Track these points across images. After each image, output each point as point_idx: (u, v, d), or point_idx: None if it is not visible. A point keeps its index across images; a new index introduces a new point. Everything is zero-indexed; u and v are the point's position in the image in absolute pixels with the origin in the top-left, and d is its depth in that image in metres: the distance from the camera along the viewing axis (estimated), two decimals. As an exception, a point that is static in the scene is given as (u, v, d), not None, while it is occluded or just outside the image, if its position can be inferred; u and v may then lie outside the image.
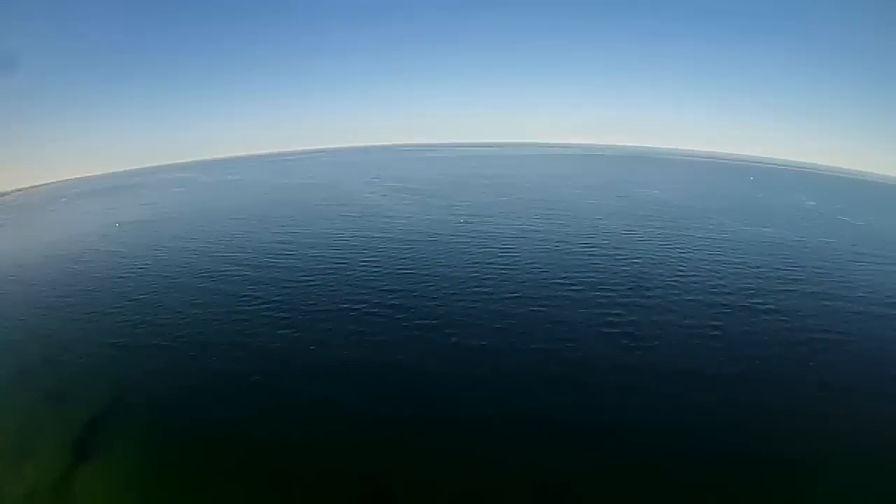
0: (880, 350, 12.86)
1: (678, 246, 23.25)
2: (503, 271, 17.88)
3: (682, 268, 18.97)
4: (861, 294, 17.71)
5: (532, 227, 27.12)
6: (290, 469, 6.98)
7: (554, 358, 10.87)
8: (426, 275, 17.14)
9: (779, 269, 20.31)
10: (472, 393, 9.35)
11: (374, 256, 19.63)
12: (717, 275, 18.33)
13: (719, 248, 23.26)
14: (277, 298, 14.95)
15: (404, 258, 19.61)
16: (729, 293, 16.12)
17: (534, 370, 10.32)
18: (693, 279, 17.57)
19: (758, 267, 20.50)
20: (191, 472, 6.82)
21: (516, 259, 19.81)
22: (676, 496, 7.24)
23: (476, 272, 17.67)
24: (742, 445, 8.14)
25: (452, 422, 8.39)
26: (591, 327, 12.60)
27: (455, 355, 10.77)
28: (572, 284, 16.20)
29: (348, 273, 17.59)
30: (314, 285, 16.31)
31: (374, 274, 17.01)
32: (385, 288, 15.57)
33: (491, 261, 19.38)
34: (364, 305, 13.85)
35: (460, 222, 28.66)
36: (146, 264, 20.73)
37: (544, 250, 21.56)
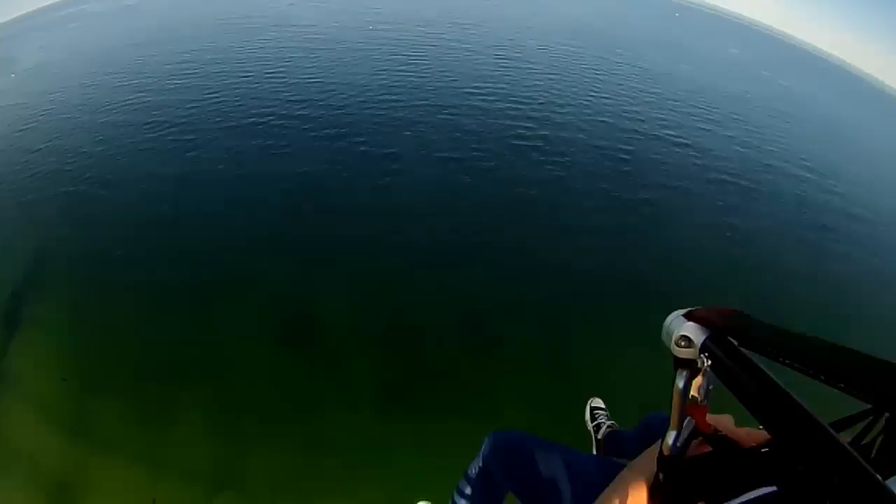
0: (785, 204, 12.84)
1: (593, 67, 21.79)
2: (412, 79, 16.63)
3: (596, 89, 17.74)
4: (772, 149, 17.40)
5: (443, 35, 25.29)
6: (208, 299, 6.82)
7: (462, 167, 10.43)
8: (333, 83, 15.92)
9: (695, 107, 19.91)
10: (380, 201, 9.00)
11: (279, 68, 18.20)
12: (632, 101, 17.40)
13: (635, 75, 21.49)
14: (183, 121, 13.91)
15: (311, 67, 18.13)
16: (642, 121, 15.26)
17: (442, 179, 9.93)
18: (606, 102, 16.57)
19: (674, 101, 19.93)
20: (107, 317, 6.62)
21: (426, 67, 18.45)
22: (572, 303, 7.32)
23: (384, 80, 16.37)
24: (641, 271, 8.04)
25: (361, 233, 8.16)
26: (501, 139, 11.97)
27: (363, 164, 10.25)
28: (483, 94, 15.20)
29: (253, 86, 16.24)
30: (219, 102, 15.16)
31: (281, 85, 15.73)
32: (292, 98, 14.52)
33: (400, 68, 17.94)
34: (271, 118, 12.92)
35: (368, 29, 26.48)
36: (47, 111, 19.15)
37: (455, 59, 20.17)
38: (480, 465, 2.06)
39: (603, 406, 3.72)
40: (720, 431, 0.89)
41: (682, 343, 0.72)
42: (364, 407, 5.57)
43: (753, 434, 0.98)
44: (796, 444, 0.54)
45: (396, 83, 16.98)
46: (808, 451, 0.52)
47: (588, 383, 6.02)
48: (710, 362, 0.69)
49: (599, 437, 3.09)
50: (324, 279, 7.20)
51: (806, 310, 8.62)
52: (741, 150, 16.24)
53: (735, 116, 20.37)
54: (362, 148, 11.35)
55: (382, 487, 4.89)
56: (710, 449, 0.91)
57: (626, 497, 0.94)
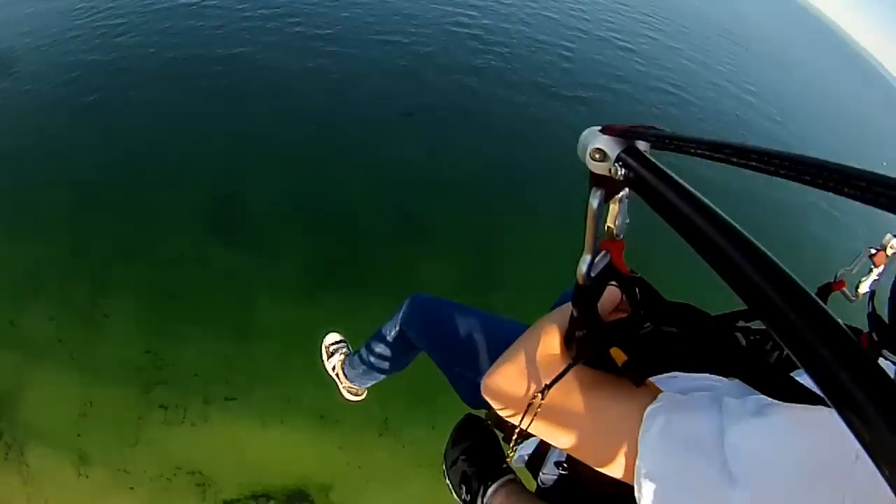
0: (727, 125, 12.70)
1: None
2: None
3: None
4: (720, 68, 17.10)
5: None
6: (139, 191, 6.51)
7: (399, 51, 9.81)
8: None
9: (645, 14, 19.01)
10: (317, 85, 8.50)
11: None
12: (579, 0, 16.55)
13: None
14: (111, 5, 12.85)
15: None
16: (588, 20, 14.49)
17: (377, 62, 9.36)
18: None
19: (624, 5, 18.81)
20: (32, 214, 6.36)
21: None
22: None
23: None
24: (571, 165, 7.79)
25: (294, 117, 7.76)
26: (441, 25, 11.24)
27: (299, 45, 9.55)
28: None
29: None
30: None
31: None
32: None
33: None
34: (203, -1, 12.08)
35: None
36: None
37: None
38: (397, 326, 2.08)
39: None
40: (637, 274, 0.89)
41: (597, 157, 0.70)
42: (294, 293, 5.56)
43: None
44: (718, 258, 0.51)
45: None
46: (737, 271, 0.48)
47: (513, 264, 6.10)
48: (624, 171, 0.68)
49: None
50: (255, 164, 6.94)
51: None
52: (687, 63, 15.88)
53: (685, 30, 19.91)
54: (297, 29, 10.63)
55: (313, 371, 4.98)
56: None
57: (538, 342, 0.94)
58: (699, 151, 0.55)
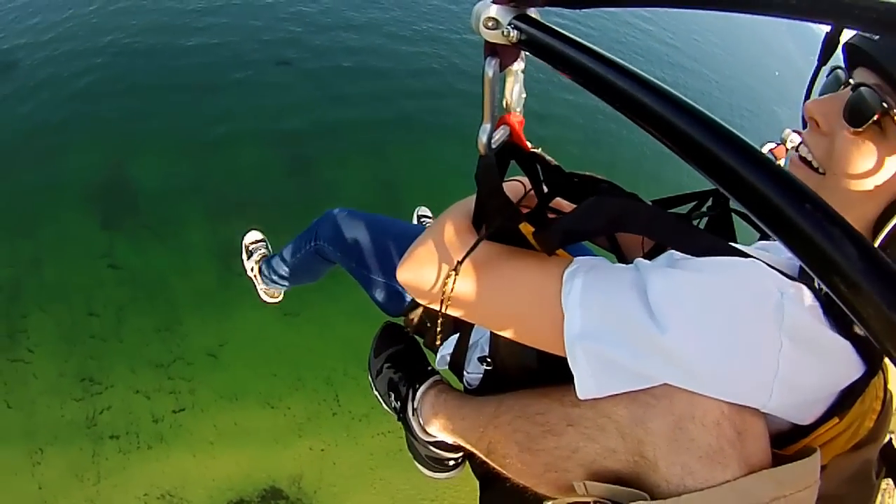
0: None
1: None
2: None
3: None
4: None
5: None
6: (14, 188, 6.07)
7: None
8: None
9: None
10: (193, 48, 7.67)
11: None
12: None
13: None
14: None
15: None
16: None
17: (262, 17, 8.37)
18: None
19: None
20: None
21: None
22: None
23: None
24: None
25: (176, 84, 7.08)
26: None
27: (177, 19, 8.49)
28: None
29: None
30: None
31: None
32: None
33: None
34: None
35: None
36: None
37: None
38: (313, 240, 2.12)
39: (430, 214, 3.94)
40: (538, 148, 0.92)
41: (490, 24, 0.70)
42: (211, 278, 5.40)
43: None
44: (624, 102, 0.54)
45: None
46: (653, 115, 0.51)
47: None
48: (516, 33, 0.69)
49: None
50: (133, 143, 6.55)
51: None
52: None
53: None
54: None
55: (253, 363, 4.99)
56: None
57: (447, 225, 0.94)
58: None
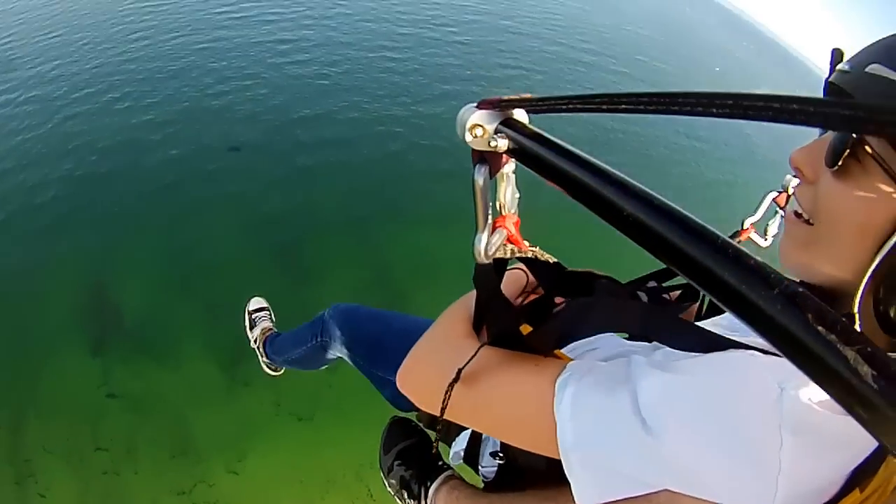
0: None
1: None
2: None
3: None
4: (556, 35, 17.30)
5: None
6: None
7: (236, 101, 9.10)
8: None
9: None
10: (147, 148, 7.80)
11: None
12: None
13: None
14: None
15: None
16: (409, 19, 14.29)
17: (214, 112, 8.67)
18: None
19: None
20: None
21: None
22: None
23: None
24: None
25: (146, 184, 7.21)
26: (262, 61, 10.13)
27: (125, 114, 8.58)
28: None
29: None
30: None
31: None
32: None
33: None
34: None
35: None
36: None
37: None
38: (317, 335, 2.15)
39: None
40: (538, 252, 0.96)
41: (477, 132, 0.72)
42: (215, 394, 5.34)
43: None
44: (609, 211, 0.53)
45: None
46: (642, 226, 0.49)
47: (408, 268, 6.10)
48: (504, 142, 0.70)
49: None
50: (111, 248, 6.44)
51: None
52: (519, 37, 16.23)
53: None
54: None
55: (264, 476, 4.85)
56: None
57: (446, 329, 0.98)
58: (571, 106, 0.58)
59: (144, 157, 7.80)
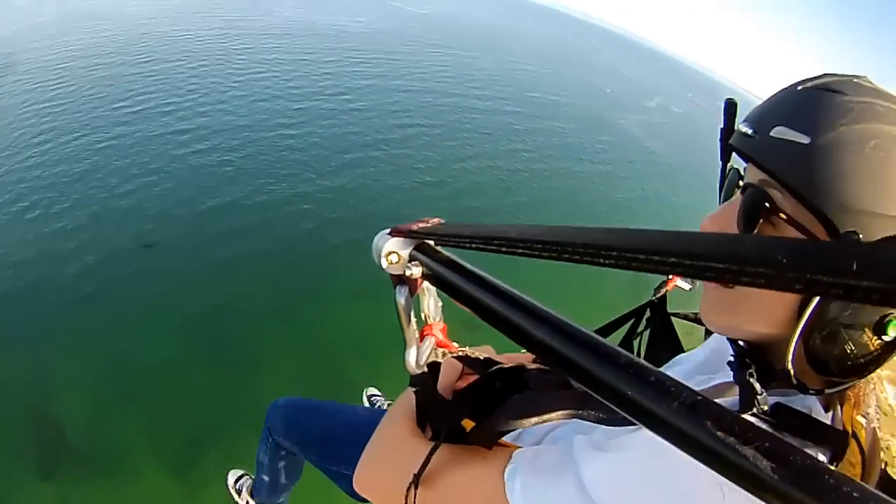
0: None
1: (233, 36, 19.29)
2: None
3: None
4: (435, 82, 18.25)
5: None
6: None
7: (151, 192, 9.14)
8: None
9: (348, 49, 19.97)
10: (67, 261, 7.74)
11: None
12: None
13: (280, 32, 21.26)
14: None
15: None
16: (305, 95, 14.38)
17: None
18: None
19: (327, 50, 19.33)
20: None
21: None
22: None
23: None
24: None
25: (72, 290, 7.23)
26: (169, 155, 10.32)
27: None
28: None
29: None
30: None
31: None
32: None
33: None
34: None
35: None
36: None
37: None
38: (268, 440, 2.14)
39: (379, 392, 3.90)
40: (468, 351, 1.00)
41: (393, 259, 0.76)
42: (155, 484, 5.37)
43: (514, 356, 1.13)
44: (510, 329, 0.56)
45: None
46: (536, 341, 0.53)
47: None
48: (420, 270, 0.73)
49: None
50: (46, 371, 6.40)
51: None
52: (412, 94, 16.77)
53: (384, 57, 20.70)
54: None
55: None
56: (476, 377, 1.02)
57: (395, 432, 1.02)
58: (474, 245, 0.61)
59: (62, 267, 7.72)
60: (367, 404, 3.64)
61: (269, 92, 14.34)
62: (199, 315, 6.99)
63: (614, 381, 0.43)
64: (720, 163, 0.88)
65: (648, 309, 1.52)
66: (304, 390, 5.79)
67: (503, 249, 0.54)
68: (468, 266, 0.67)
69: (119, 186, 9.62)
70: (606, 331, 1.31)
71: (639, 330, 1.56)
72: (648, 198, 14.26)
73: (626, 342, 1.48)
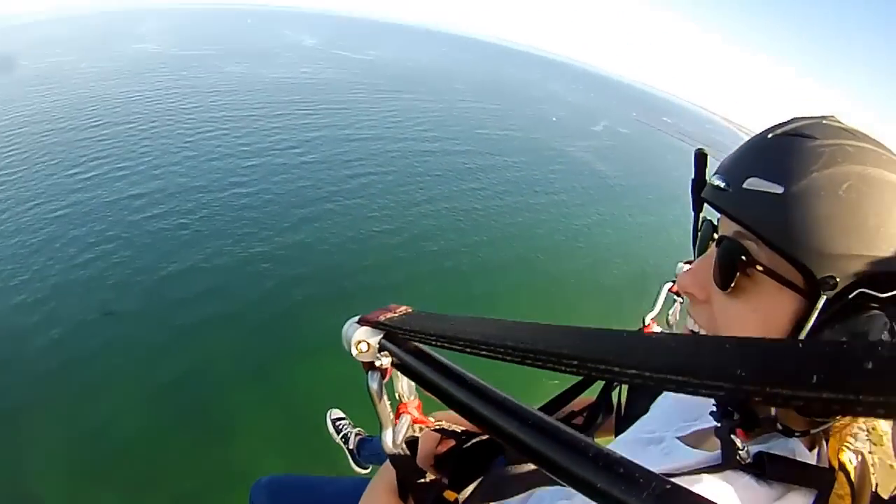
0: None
1: (181, 95, 19.45)
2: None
3: (191, 122, 16.39)
4: (370, 130, 18.39)
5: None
6: None
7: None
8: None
9: (295, 102, 20.27)
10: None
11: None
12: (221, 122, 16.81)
13: (226, 89, 21.53)
14: None
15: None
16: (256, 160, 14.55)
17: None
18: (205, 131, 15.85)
19: (275, 104, 19.61)
20: None
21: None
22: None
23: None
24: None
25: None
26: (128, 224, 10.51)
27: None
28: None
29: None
30: None
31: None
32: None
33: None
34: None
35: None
36: None
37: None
38: None
39: (343, 415, 3.93)
40: (445, 423, 1.01)
41: (363, 348, 0.77)
42: None
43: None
44: (482, 423, 0.58)
45: None
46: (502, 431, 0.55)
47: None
48: (390, 360, 0.74)
49: (351, 447, 3.37)
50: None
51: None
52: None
53: (332, 106, 21.03)
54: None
55: None
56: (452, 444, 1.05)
57: (377, 501, 1.02)
58: (439, 343, 0.62)
59: (27, 343, 7.74)
60: (331, 428, 3.68)
61: (220, 150, 14.48)
62: (169, 383, 7.00)
63: (583, 474, 0.44)
64: (692, 213, 0.88)
65: None
66: (282, 450, 5.99)
67: (468, 350, 0.56)
68: (437, 357, 0.68)
69: (78, 256, 9.65)
70: (584, 383, 1.31)
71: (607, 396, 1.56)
72: (605, 221, 14.62)
73: (605, 392, 1.47)
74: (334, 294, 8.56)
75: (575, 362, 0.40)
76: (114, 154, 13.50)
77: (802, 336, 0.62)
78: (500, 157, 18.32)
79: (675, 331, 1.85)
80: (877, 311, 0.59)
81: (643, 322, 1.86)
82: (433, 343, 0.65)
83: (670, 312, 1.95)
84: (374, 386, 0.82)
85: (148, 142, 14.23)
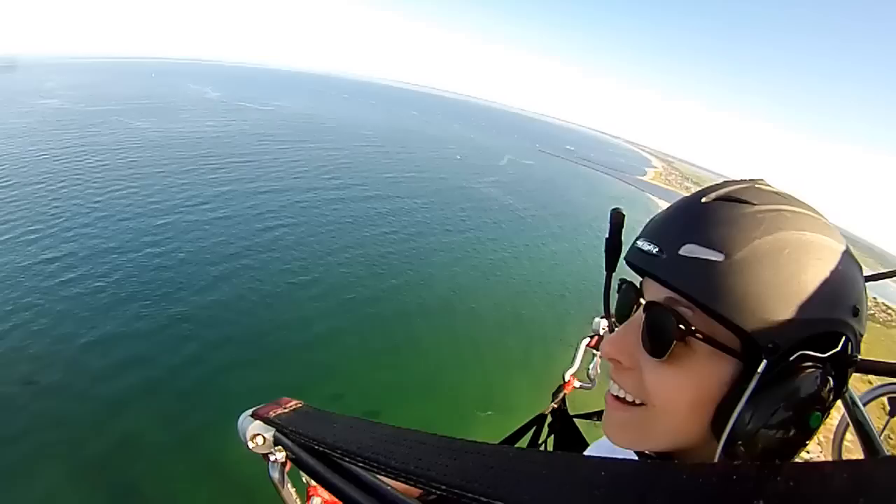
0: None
1: (90, 153, 19.40)
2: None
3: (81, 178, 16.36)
4: (277, 175, 19.36)
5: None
6: None
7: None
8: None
9: (202, 156, 20.41)
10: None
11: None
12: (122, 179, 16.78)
13: (133, 146, 21.57)
14: None
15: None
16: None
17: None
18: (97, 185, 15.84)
19: (183, 159, 19.62)
20: None
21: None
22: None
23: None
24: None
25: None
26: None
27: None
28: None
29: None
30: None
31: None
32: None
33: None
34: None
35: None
36: None
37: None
38: None
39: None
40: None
41: (258, 441, 0.72)
42: None
43: (406, 489, 0.86)
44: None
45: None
46: None
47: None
48: (284, 455, 0.70)
49: None
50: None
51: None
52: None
53: (235, 160, 21.38)
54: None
55: None
56: None
57: None
58: (320, 447, 0.61)
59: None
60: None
61: (131, 209, 14.55)
62: (98, 456, 6.99)
63: None
64: (605, 272, 0.79)
65: (550, 415, 1.53)
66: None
67: (346, 460, 0.55)
68: (330, 454, 0.62)
69: (-5, 325, 9.61)
70: (510, 441, 1.30)
71: (541, 439, 1.56)
72: (520, 252, 15.30)
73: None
74: (257, 353, 8.66)
75: (443, 486, 0.39)
76: (24, 216, 13.40)
77: (743, 399, 0.57)
78: (409, 200, 18.86)
79: (594, 385, 1.81)
80: (812, 370, 0.58)
81: (563, 378, 1.79)
82: (315, 447, 0.62)
83: (590, 367, 1.83)
84: (275, 475, 0.75)
85: (58, 202, 14.08)
